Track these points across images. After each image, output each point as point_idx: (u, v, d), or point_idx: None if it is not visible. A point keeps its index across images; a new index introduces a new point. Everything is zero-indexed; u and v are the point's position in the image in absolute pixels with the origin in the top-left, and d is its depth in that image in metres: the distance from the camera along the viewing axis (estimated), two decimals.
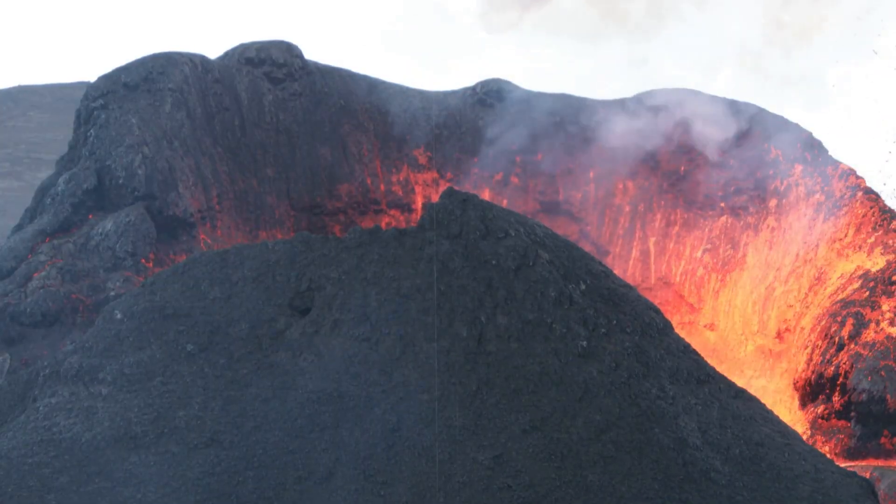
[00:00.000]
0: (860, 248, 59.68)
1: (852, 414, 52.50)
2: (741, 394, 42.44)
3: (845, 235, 61.54)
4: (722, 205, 67.40)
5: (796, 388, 55.83)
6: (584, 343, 41.33)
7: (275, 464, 39.62)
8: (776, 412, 52.31)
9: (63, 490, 39.24)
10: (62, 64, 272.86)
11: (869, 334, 53.96)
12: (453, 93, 71.18)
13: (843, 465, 47.02)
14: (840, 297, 56.58)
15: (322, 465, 39.48)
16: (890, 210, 61.70)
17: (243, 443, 40.23)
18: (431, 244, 43.33)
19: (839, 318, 54.79)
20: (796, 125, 67.75)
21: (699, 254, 67.23)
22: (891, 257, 57.22)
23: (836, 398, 53.63)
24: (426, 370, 41.09)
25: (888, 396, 51.74)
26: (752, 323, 64.61)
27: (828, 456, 46.13)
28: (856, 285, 56.71)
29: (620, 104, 69.98)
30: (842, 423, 53.14)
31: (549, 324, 41.62)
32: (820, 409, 54.01)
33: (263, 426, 40.60)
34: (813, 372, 54.59)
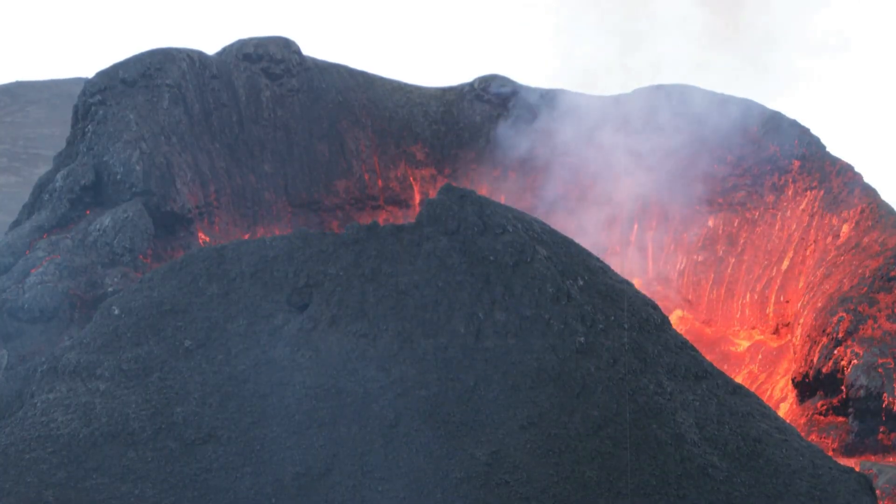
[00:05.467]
0: (858, 244, 59.71)
1: (850, 410, 52.54)
2: (739, 389, 42.46)
3: (843, 231, 61.58)
4: (720, 200, 67.41)
5: (794, 384, 55.87)
6: (582, 339, 41.34)
7: (273, 460, 39.63)
8: (774, 408, 52.40)
9: (61, 486, 39.23)
10: (60, 59, 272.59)
11: (867, 330, 53.99)
12: (451, 88, 71.19)
13: (840, 460, 47.07)
14: (838, 293, 56.60)
15: (320, 461, 39.50)
16: (888, 206, 61.74)
17: (241, 438, 40.24)
18: (429, 240, 43.33)
19: (837, 314, 54.83)
20: (794, 121, 67.78)
21: (697, 249, 67.25)
22: (888, 254, 57.24)
23: (833, 394, 53.68)
24: (424, 366, 41.11)
25: (885, 393, 51.80)
26: (749, 319, 64.65)
27: (825, 452, 46.17)
28: (854, 281, 56.74)
29: (618, 99, 70.00)
30: (839, 418, 53.19)
31: (547, 320, 41.63)
32: (818, 404, 54.06)
33: (261, 422, 40.61)
34: (811, 368, 54.63)
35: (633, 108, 68.75)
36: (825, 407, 53.66)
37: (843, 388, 53.01)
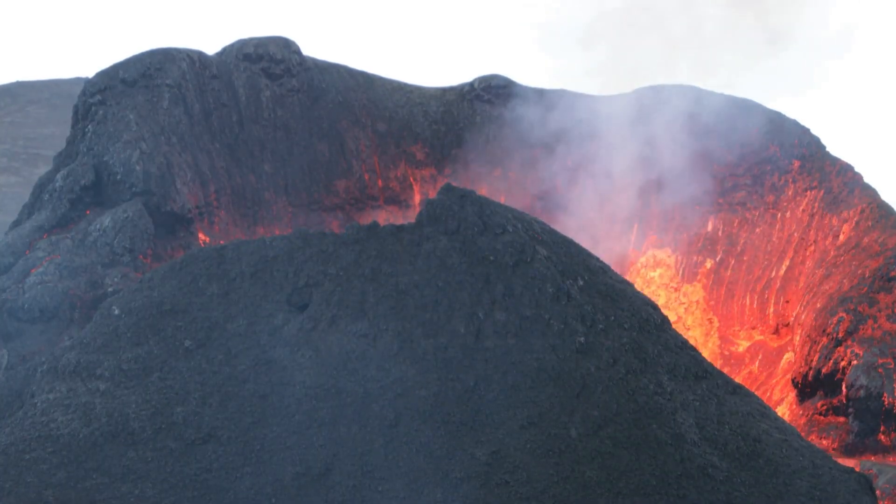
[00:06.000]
0: (858, 244, 59.71)
1: (850, 410, 52.54)
2: (739, 389, 42.46)
3: (843, 231, 61.58)
4: (720, 200, 67.42)
5: (794, 384, 55.87)
6: (582, 339, 41.33)
7: (272, 460, 39.63)
8: (774, 408, 52.38)
9: (61, 486, 39.24)
10: (60, 59, 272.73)
11: (867, 330, 54.00)
12: (451, 88, 71.20)
13: (840, 460, 47.05)
14: (838, 293, 56.61)
15: (320, 461, 39.50)
16: (888, 206, 61.76)
17: (241, 438, 40.24)
18: (429, 240, 43.33)
19: (837, 315, 54.83)
20: (795, 121, 67.82)
21: (697, 249, 67.24)
22: (888, 254, 57.25)
23: (833, 394, 53.68)
24: (424, 366, 41.10)
25: (885, 393, 51.80)
26: (749, 319, 64.64)
27: (825, 452, 46.16)
28: (854, 282, 56.74)
29: (618, 100, 70.00)
30: (839, 418, 53.19)
31: (547, 320, 41.63)
32: (818, 404, 54.06)
33: (261, 422, 40.61)
34: (811, 368, 54.63)
35: (634, 108, 68.75)
36: (825, 407, 53.66)
37: (843, 388, 53.01)
